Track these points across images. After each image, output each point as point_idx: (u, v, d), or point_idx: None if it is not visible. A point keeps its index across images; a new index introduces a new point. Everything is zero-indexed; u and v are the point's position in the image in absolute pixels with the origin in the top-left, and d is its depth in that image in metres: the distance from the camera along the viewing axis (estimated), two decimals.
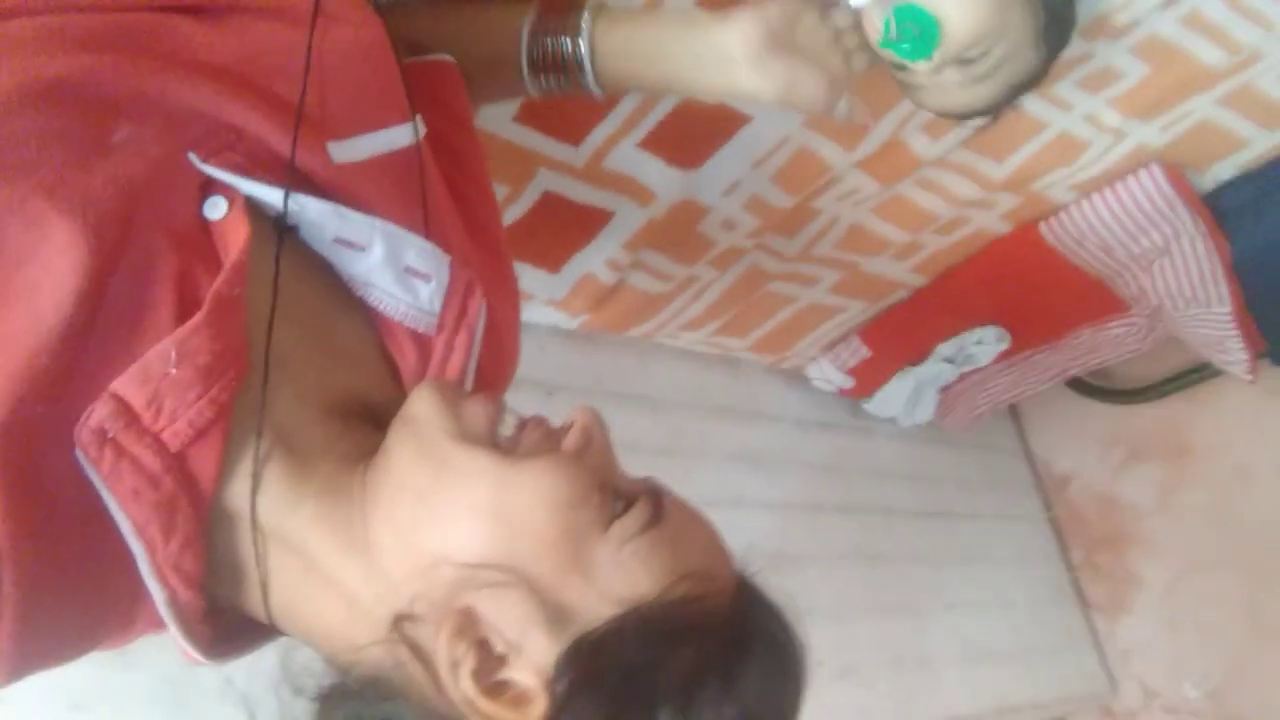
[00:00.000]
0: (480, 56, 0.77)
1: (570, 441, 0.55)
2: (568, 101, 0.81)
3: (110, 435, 0.49)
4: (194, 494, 0.51)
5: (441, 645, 0.51)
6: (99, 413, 0.49)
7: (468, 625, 0.51)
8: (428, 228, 0.63)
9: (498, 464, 0.53)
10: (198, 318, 0.50)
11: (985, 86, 0.91)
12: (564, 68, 0.77)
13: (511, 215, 1.07)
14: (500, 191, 1.04)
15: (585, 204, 1.10)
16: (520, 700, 0.51)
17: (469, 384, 0.65)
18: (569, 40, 0.76)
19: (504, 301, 0.71)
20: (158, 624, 0.53)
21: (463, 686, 0.50)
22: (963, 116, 0.98)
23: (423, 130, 0.64)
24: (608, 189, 1.09)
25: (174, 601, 0.52)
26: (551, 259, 1.17)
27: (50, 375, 0.47)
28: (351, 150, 0.59)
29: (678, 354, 1.50)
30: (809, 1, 0.77)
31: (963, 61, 0.87)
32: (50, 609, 0.49)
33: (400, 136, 0.62)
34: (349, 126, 0.59)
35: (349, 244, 0.59)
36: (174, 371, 0.49)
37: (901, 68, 0.90)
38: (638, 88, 0.83)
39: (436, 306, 0.62)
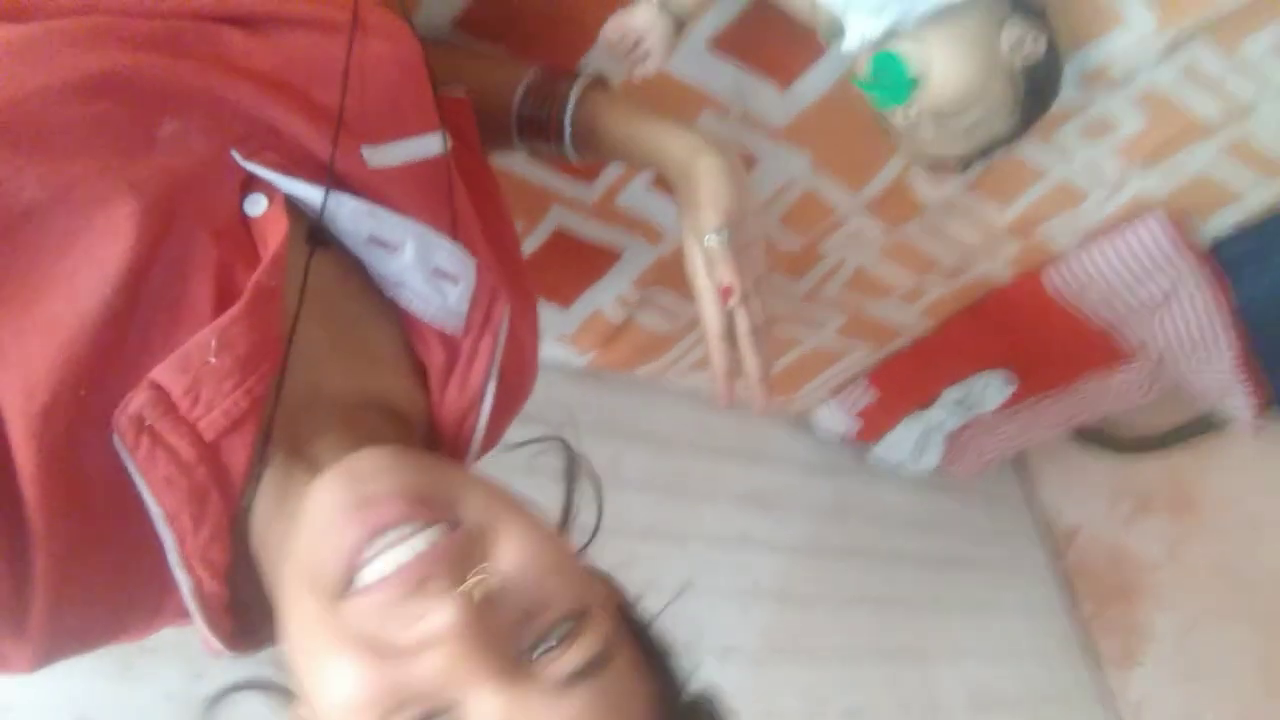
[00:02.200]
0: (481, 107, 0.80)
1: (414, 637, 0.47)
2: None
3: (147, 423, 0.49)
4: (225, 485, 0.52)
5: None
6: (137, 400, 0.49)
7: None
8: (455, 232, 0.64)
9: (311, 639, 0.49)
10: (237, 307, 0.51)
11: (957, 144, 0.94)
12: (546, 133, 0.81)
13: (524, 250, 1.09)
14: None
15: (596, 241, 1.13)
16: None
17: (490, 390, 0.65)
18: (556, 107, 0.80)
19: (524, 315, 0.72)
20: (183, 615, 0.54)
21: None
22: (931, 168, 1.02)
23: (450, 141, 0.66)
24: (619, 227, 1.12)
25: (200, 592, 0.53)
26: (563, 294, 1.19)
27: (90, 361, 0.48)
28: (385, 156, 0.60)
29: (685, 395, 1.52)
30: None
31: (939, 117, 0.90)
32: (81, 594, 0.50)
33: (430, 145, 0.64)
34: (383, 132, 0.60)
35: (382, 243, 0.60)
36: (213, 361, 0.50)
37: (885, 117, 0.94)
38: (611, 156, 0.85)
39: (464, 308, 0.63)
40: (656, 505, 1.41)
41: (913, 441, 1.74)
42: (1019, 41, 0.87)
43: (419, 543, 0.47)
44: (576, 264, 1.15)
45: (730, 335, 0.79)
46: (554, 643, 0.48)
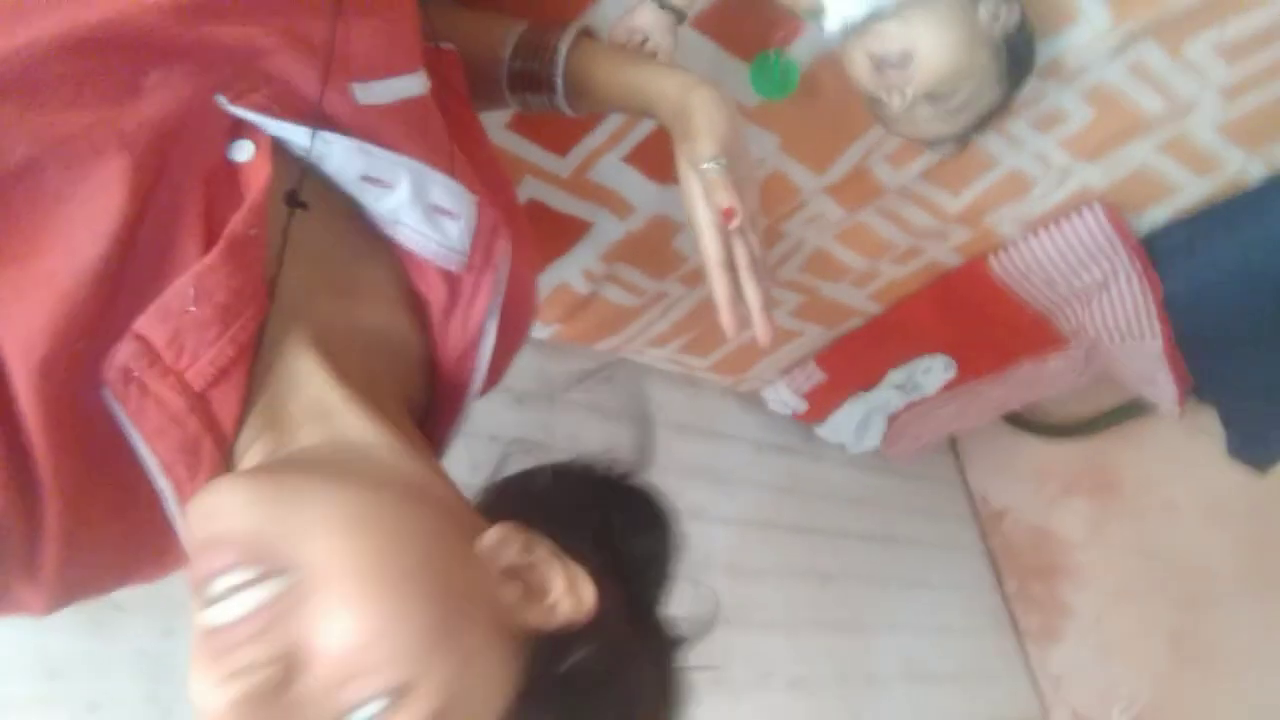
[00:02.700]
0: (469, 61, 0.80)
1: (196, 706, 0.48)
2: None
3: (135, 374, 0.50)
4: (217, 434, 0.53)
5: None
6: (123, 352, 0.50)
7: None
8: (454, 165, 0.64)
9: None
10: (212, 255, 0.51)
11: (954, 119, 0.98)
12: (538, 86, 0.82)
13: None
14: None
15: (567, 213, 1.14)
16: None
17: (492, 327, 0.66)
18: (546, 59, 0.81)
19: (523, 251, 0.72)
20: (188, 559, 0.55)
21: None
22: (932, 144, 1.06)
23: (430, 81, 0.66)
24: (590, 200, 1.14)
25: None
26: None
27: (87, 312, 0.48)
28: (375, 93, 0.60)
29: (642, 370, 1.54)
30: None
31: (933, 98, 0.94)
32: (90, 539, 0.51)
33: (411, 85, 0.64)
34: (373, 70, 0.60)
35: (375, 181, 0.60)
36: (193, 310, 0.50)
37: (877, 100, 0.97)
38: (605, 105, 0.85)
39: (466, 245, 0.64)
40: None
41: (856, 422, 1.79)
42: (995, 12, 0.91)
43: (251, 598, 0.47)
44: (546, 235, 1.16)
45: (729, 264, 0.77)
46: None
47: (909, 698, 1.77)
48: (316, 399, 0.56)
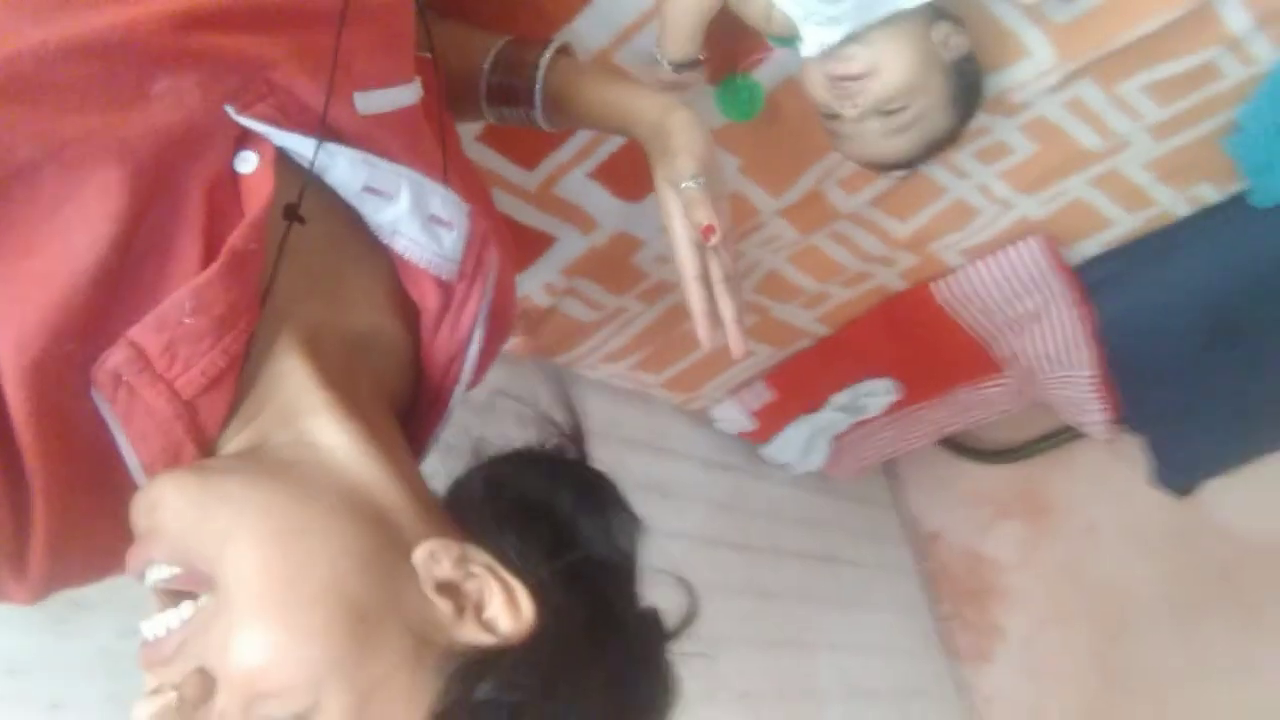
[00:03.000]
0: (449, 72, 0.82)
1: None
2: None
3: (125, 379, 0.51)
4: (200, 439, 0.54)
5: None
6: (115, 357, 0.50)
7: None
8: (448, 176, 0.66)
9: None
10: (211, 270, 0.52)
11: (903, 139, 1.03)
12: (516, 100, 0.84)
13: None
14: None
15: (532, 227, 1.16)
16: None
17: (479, 334, 0.67)
18: (525, 74, 0.83)
19: (505, 260, 0.74)
20: None
21: None
22: (883, 167, 1.10)
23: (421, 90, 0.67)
24: (554, 214, 1.16)
25: None
26: None
27: (81, 316, 0.49)
28: (374, 102, 0.61)
29: (595, 385, 1.56)
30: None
31: (885, 113, 0.99)
32: (75, 534, 0.52)
33: (406, 95, 0.65)
34: (373, 79, 0.61)
35: (377, 192, 0.61)
36: (189, 321, 0.51)
37: (833, 116, 1.02)
38: (581, 122, 0.88)
39: (459, 254, 0.65)
40: None
41: (801, 443, 1.83)
42: (946, 37, 0.97)
43: (162, 622, 0.50)
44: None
45: (705, 279, 0.80)
46: None
47: (848, 715, 1.80)
48: (292, 399, 0.57)
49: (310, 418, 0.57)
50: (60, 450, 0.49)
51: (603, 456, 1.55)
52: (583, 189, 1.14)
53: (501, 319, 0.74)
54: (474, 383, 0.71)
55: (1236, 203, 1.39)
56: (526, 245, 1.19)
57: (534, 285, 1.24)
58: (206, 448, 0.54)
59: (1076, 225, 1.44)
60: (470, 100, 0.86)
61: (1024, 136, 1.27)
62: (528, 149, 1.08)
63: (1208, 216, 1.43)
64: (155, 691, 0.48)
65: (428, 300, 0.65)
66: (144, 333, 0.51)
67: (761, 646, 1.68)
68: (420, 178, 0.63)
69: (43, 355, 0.47)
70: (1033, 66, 1.12)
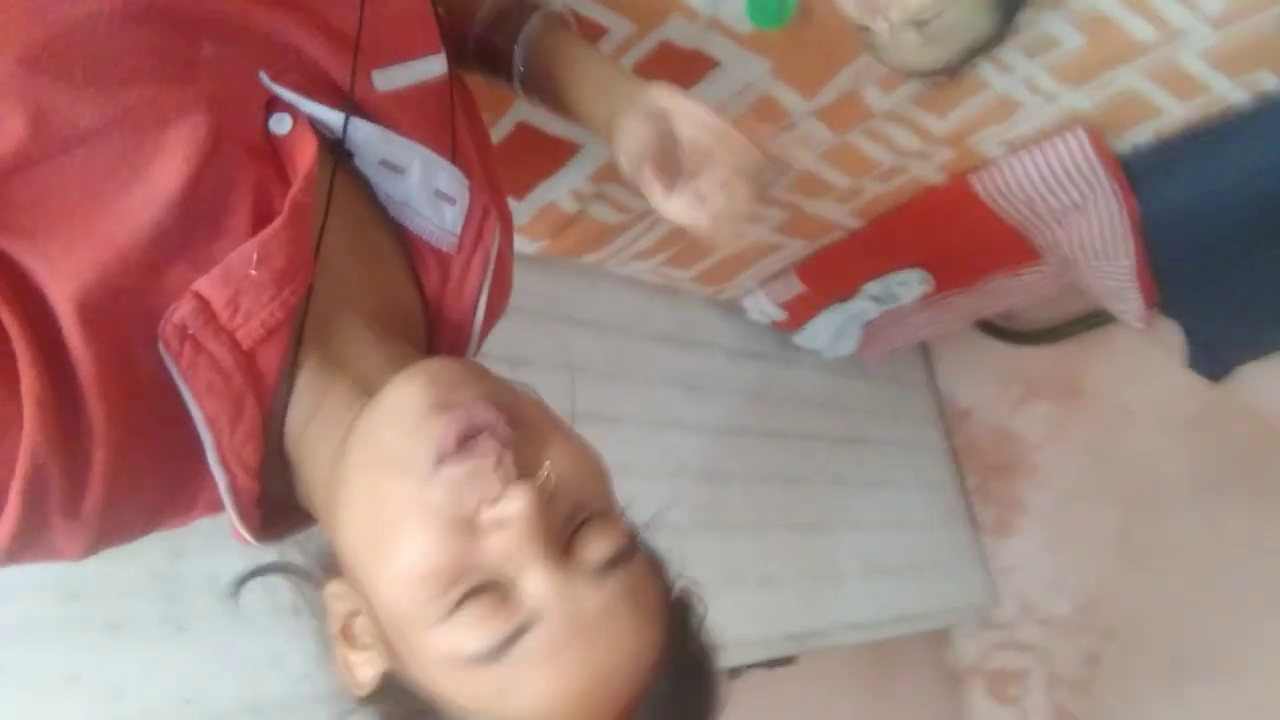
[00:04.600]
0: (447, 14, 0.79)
1: (488, 518, 0.51)
2: None
3: (190, 331, 0.53)
4: (259, 390, 0.56)
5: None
6: (182, 310, 0.52)
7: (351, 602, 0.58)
8: (454, 154, 0.67)
9: (396, 514, 0.52)
10: (278, 222, 0.54)
11: (942, 47, 0.98)
12: (495, 64, 0.81)
13: None
14: None
15: (557, 135, 1.14)
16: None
17: (482, 304, 0.69)
18: (508, 42, 0.80)
19: (506, 231, 0.75)
20: (215, 507, 0.58)
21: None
22: (922, 75, 1.05)
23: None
24: None
25: (234, 487, 0.57)
26: (518, 186, 1.21)
27: (137, 273, 0.51)
28: (391, 79, 0.62)
29: (624, 281, 1.56)
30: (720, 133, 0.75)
31: (919, 23, 0.94)
32: (130, 485, 0.53)
33: (430, 68, 0.66)
34: (390, 55, 0.62)
35: (391, 166, 0.63)
36: (254, 273, 0.53)
37: (866, 29, 0.97)
38: (551, 103, 0.84)
39: (458, 228, 0.67)
40: (595, 386, 1.47)
41: (832, 330, 1.83)
42: None
43: (494, 440, 0.52)
44: (535, 157, 1.16)
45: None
46: (591, 535, 0.53)
47: (868, 591, 1.87)
48: (363, 357, 0.60)
49: (376, 374, 0.59)
50: (123, 403, 0.51)
51: (632, 351, 1.58)
52: None
53: (500, 289, 0.75)
54: (475, 352, 0.73)
55: None
56: (552, 153, 1.17)
57: (560, 192, 1.22)
58: (265, 401, 0.56)
59: (1125, 115, 1.38)
60: (459, 48, 0.83)
61: (1072, 28, 1.20)
62: None
63: (1265, 107, 1.36)
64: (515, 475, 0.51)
65: (429, 272, 0.67)
66: (210, 285, 0.53)
67: (786, 530, 1.73)
68: (429, 154, 0.64)
69: (102, 310, 0.50)
70: None
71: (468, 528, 0.51)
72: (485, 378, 0.56)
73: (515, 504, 0.50)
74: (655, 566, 0.60)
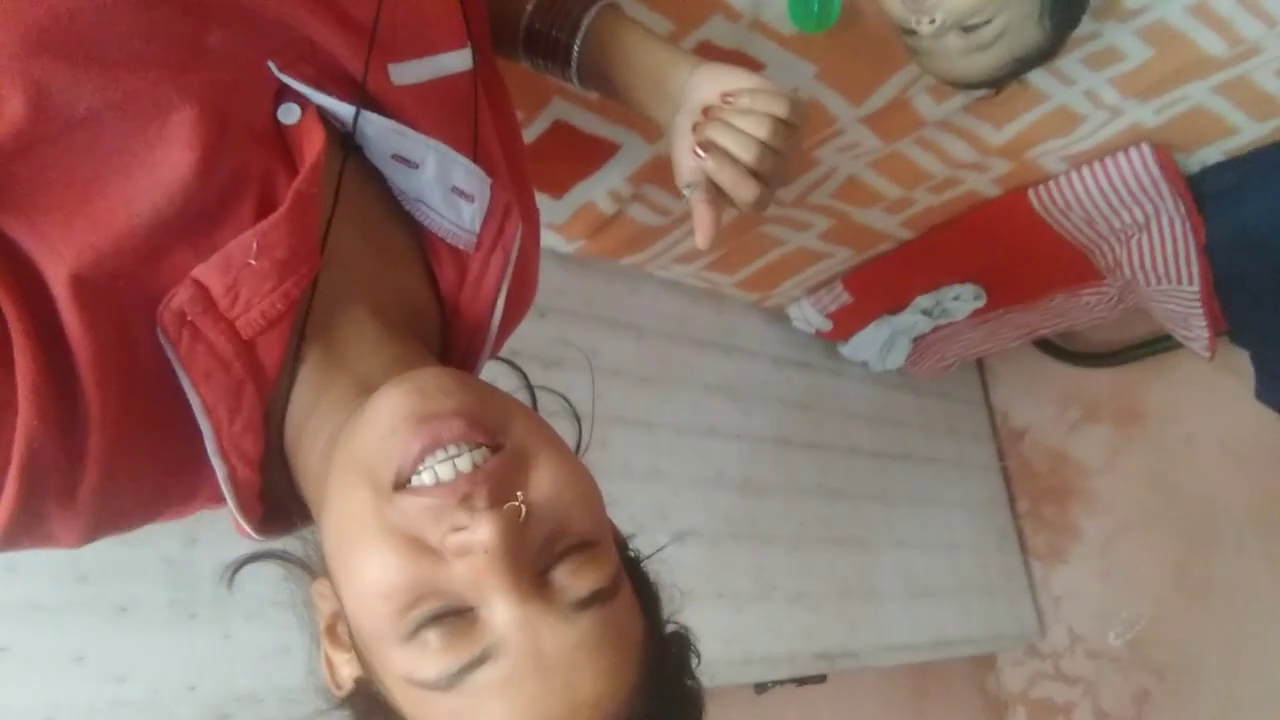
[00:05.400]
0: (491, 10, 0.78)
1: (451, 544, 0.48)
2: None
3: (189, 318, 0.52)
4: (259, 381, 0.55)
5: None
6: (180, 296, 0.52)
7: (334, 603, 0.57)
8: (475, 151, 0.65)
9: (357, 527, 0.50)
10: (279, 213, 0.53)
11: (986, 56, 0.94)
12: (552, 54, 0.80)
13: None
14: None
15: (594, 135, 1.12)
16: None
17: (500, 304, 0.67)
18: (565, 31, 0.78)
19: (530, 230, 0.74)
20: (217, 499, 0.58)
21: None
22: (965, 85, 1.02)
23: (478, 56, 0.66)
24: (618, 122, 1.12)
25: (233, 478, 0.56)
26: (556, 184, 1.19)
27: (139, 254, 0.50)
28: (409, 73, 0.61)
29: (666, 285, 1.54)
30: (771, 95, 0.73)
31: (965, 29, 0.90)
32: (127, 473, 0.53)
33: (453, 62, 0.64)
34: (409, 49, 0.61)
35: (405, 160, 0.62)
36: (254, 263, 0.52)
37: (911, 32, 0.94)
38: (609, 91, 0.83)
39: (476, 226, 0.65)
40: (633, 391, 1.45)
41: (880, 343, 1.79)
42: None
43: (469, 460, 0.49)
44: (572, 155, 1.15)
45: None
46: (570, 568, 0.50)
47: (909, 612, 1.82)
48: (366, 353, 0.59)
49: (377, 374, 0.58)
50: (122, 390, 0.51)
51: (671, 357, 1.56)
52: None
53: (521, 290, 0.73)
54: (494, 351, 0.71)
55: None
56: (590, 153, 1.15)
57: (599, 192, 1.21)
58: (265, 391, 0.56)
59: (1194, 133, 1.32)
60: (509, 43, 0.82)
61: (1139, 41, 1.15)
62: None
63: None
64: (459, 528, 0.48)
65: (445, 269, 0.66)
66: (208, 272, 0.52)
67: (825, 546, 1.70)
68: (446, 149, 0.63)
69: (98, 292, 0.49)
70: None
71: (431, 549, 0.49)
72: (476, 391, 0.54)
73: (481, 533, 0.47)
74: (645, 604, 0.57)
